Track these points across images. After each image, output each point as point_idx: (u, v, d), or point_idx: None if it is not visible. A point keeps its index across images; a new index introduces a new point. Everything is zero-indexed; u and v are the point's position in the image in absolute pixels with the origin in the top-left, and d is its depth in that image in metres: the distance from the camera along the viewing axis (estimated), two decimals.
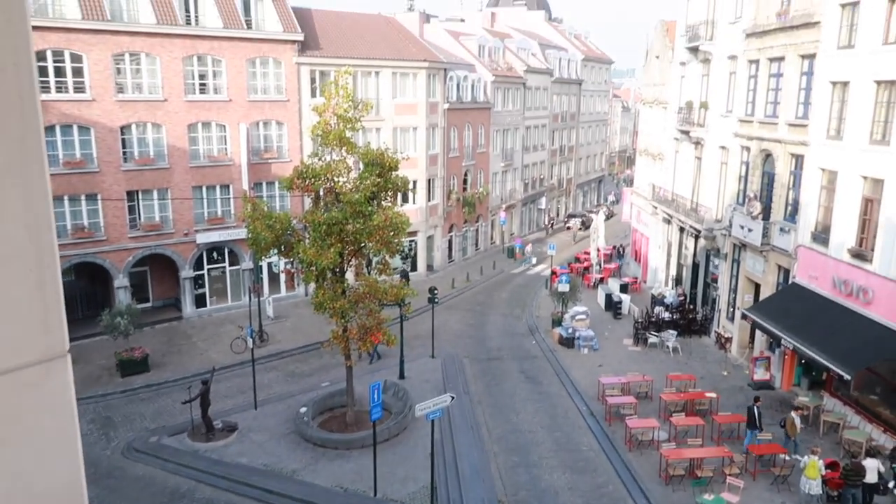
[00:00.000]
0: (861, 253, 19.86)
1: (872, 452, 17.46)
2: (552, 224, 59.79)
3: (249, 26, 32.66)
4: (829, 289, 21.09)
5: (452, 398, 17.27)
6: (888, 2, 18.95)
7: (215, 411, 21.17)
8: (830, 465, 16.61)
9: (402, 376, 24.94)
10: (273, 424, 21.33)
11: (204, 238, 31.72)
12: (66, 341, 1.65)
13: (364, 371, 25.17)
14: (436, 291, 28.08)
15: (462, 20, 59.65)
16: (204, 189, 31.86)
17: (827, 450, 18.16)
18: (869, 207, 19.77)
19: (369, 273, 21.47)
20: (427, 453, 17.58)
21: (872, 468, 16.18)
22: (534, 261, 41.21)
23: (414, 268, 40.69)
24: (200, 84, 31.30)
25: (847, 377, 18.27)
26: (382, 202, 20.58)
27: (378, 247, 20.02)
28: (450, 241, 45.17)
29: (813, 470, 16.18)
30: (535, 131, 56.60)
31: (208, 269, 32.78)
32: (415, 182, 38.66)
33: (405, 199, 38.15)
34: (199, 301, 32.57)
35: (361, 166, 20.51)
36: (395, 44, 40.13)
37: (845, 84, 20.76)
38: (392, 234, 19.82)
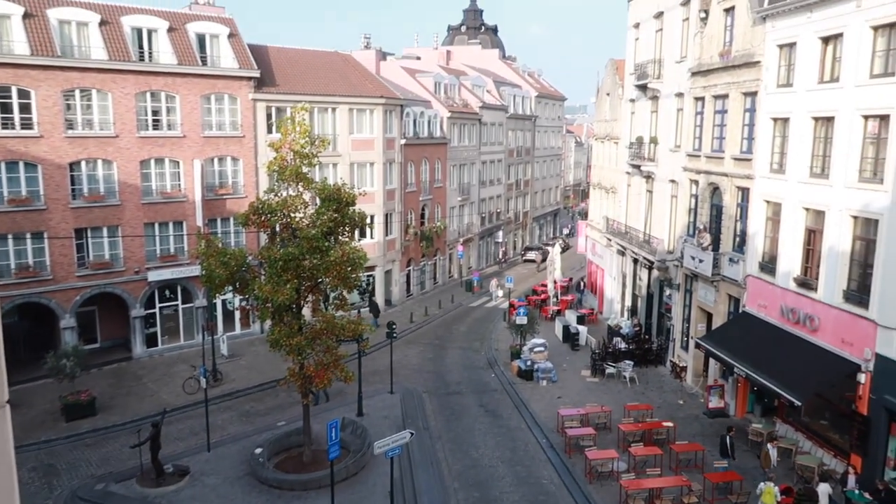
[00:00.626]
0: (806, 282, 20.53)
1: (824, 477, 17.81)
2: (505, 258, 60.16)
3: (205, 63, 32.54)
4: (777, 317, 21.68)
5: (412, 434, 17.09)
6: (822, 43, 19.98)
7: (166, 455, 20.46)
8: (785, 491, 16.87)
9: (360, 413, 24.55)
10: (227, 467, 20.69)
11: (156, 276, 31.00)
12: (5, 392, 1.59)
13: (321, 409, 24.73)
14: (394, 326, 27.90)
15: (418, 58, 60.64)
16: (156, 226, 31.24)
17: (781, 476, 18.45)
18: (812, 238, 20.50)
19: (326, 309, 21.25)
20: (386, 492, 17.27)
21: (824, 493, 16.51)
22: (500, 293, 41.34)
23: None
24: (154, 120, 30.93)
25: (798, 403, 18.69)
26: (339, 237, 20.50)
27: (335, 282, 19.87)
28: (408, 276, 45.13)
29: (769, 496, 16.42)
30: (491, 166, 57.41)
31: (160, 308, 31.95)
32: (372, 217, 38.68)
33: (363, 234, 38.11)
34: (150, 341, 31.66)
35: (318, 202, 20.44)
36: (351, 80, 40.46)
37: (785, 120, 21.67)
38: (349, 269, 19.73)
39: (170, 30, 31.70)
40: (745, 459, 20.54)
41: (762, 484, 16.79)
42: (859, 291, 18.43)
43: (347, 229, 20.79)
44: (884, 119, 17.61)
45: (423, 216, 46.46)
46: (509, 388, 28.09)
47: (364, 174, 39.67)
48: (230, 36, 33.77)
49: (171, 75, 30.95)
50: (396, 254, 42.84)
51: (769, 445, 18.96)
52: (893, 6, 17.07)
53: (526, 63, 76.83)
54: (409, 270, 45.26)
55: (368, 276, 39.75)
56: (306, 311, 20.76)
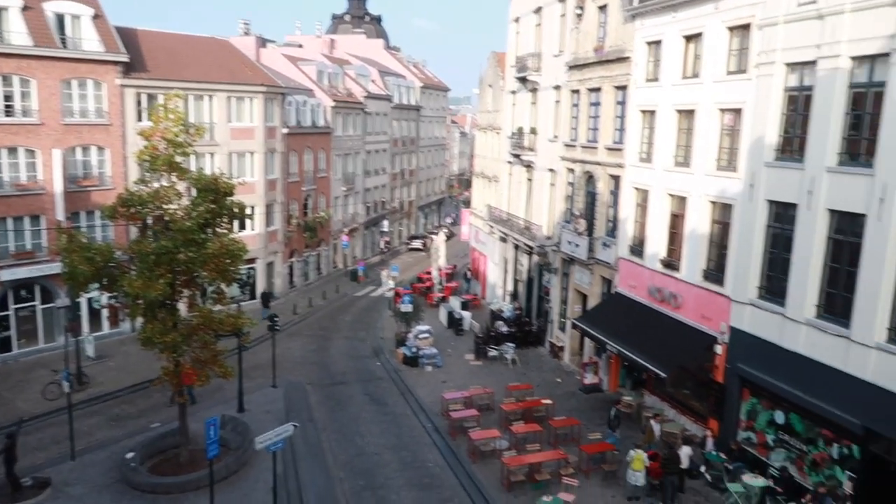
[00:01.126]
0: (671, 263, 21.96)
1: (686, 441, 19.20)
2: (388, 248, 59.97)
3: (65, 45, 30.05)
4: (645, 296, 23.06)
5: (295, 427, 16.73)
6: (684, 41, 21.34)
7: (23, 467, 18.80)
8: (652, 457, 18.03)
9: (241, 409, 23.75)
10: (94, 475, 19.34)
11: (9, 275, 28.37)
12: None
13: (200, 408, 23.68)
14: (276, 318, 27.18)
15: (300, 46, 59.12)
16: (10, 220, 28.59)
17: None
18: (676, 222, 21.94)
19: (204, 303, 20.35)
20: (270, 487, 16.82)
21: (686, 455, 17.84)
22: (392, 283, 41.13)
23: (253, 296, 39.17)
24: (6, 106, 28.21)
25: (663, 375, 20.02)
26: (217, 229, 19.64)
27: (213, 275, 19.03)
28: (291, 267, 44.08)
29: (638, 463, 17.49)
30: (376, 155, 57.11)
31: (15, 309, 29.32)
32: (252, 208, 37.41)
33: (242, 226, 36.76)
34: (3, 345, 29.00)
35: (194, 192, 19.48)
36: (229, 67, 38.82)
37: (652, 112, 22.99)
38: (228, 261, 18.95)
39: (24, 8, 28.94)
40: (618, 429, 21.72)
41: (632, 451, 17.86)
42: (716, 270, 19.94)
43: (225, 221, 19.94)
44: (737, 112, 19.09)
45: (306, 206, 45.51)
46: (395, 376, 28.18)
47: (244, 164, 38.26)
48: (94, 17, 31.35)
49: (25, 58, 28.33)
50: (279, 245, 41.72)
51: (652, 421, 20.06)
52: (746, 9, 18.50)
53: (411, 54, 77.12)
54: (293, 262, 44.23)
55: (249, 268, 38.48)
56: (182, 307, 19.77)
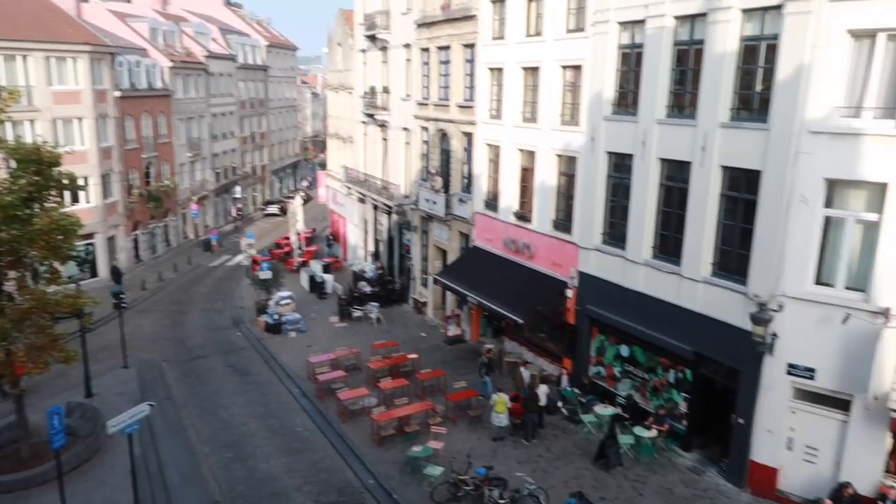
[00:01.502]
0: (523, 215, 22.95)
1: (543, 380, 20.46)
2: (240, 215, 56.70)
3: None
4: (501, 248, 24.00)
5: (151, 406, 15.88)
6: (527, 1, 21.95)
7: None
8: (513, 398, 19.07)
9: (89, 394, 22.14)
10: None
11: None
12: None
13: (41, 397, 21.81)
14: (122, 295, 25.44)
15: (129, 1, 54.17)
16: None
17: (510, 386, 20.79)
18: (526, 176, 22.88)
19: (36, 284, 18.59)
20: (127, 471, 15.94)
21: (543, 393, 19.04)
22: (253, 251, 39.42)
23: (94, 273, 36.30)
24: None
25: (520, 322, 21.08)
26: (45, 203, 17.86)
27: (43, 254, 17.37)
28: (136, 240, 41.20)
29: (501, 405, 18.44)
30: (222, 119, 54.22)
31: None
32: (86, 179, 34.34)
33: (75, 199, 33.80)
34: None
35: (13, 164, 17.54)
36: (46, 24, 34.87)
37: (500, 70, 23.59)
38: (60, 238, 17.35)
39: None
40: (479, 376, 22.71)
41: (494, 395, 18.79)
42: (565, 220, 21.11)
43: (53, 194, 18.17)
44: (577, 69, 20.05)
45: (148, 175, 42.49)
46: (257, 344, 27.49)
47: (71, 131, 34.90)
48: None
49: None
50: (120, 218, 38.77)
51: (521, 368, 20.78)
52: None
53: (254, 11, 73.20)
54: (137, 235, 41.34)
55: (87, 244, 35.57)
56: (11, 289, 17.93)
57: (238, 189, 57.08)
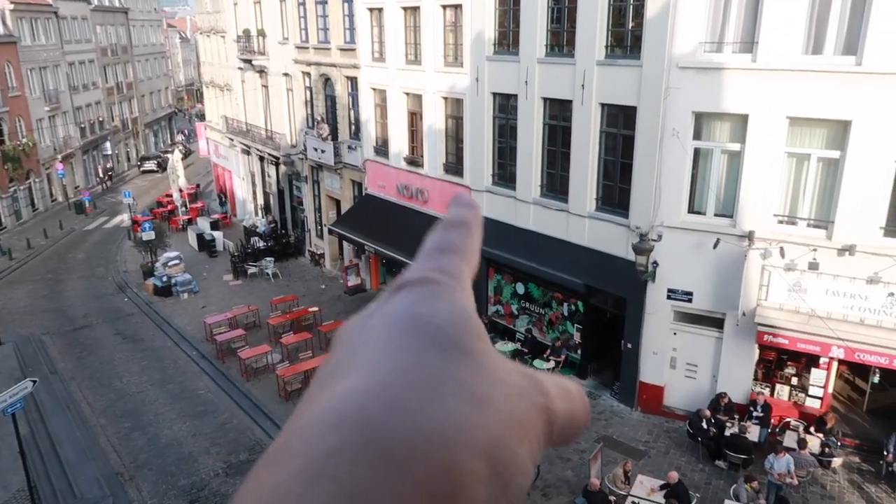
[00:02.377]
0: (414, 160, 22.93)
1: None
2: (110, 174, 51.99)
3: None
4: (395, 194, 23.96)
5: (35, 382, 15.01)
6: None
7: None
8: None
9: None
10: None
11: None
12: None
13: None
14: None
15: None
16: None
17: None
18: (414, 120, 22.77)
19: None
20: (15, 453, 15.10)
21: None
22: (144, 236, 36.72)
23: None
24: None
25: None
26: None
27: None
28: None
29: None
30: (81, 68, 49.78)
31: None
32: None
33: None
34: None
35: None
36: None
37: (380, 10, 22.98)
38: None
39: None
40: None
41: None
42: (456, 163, 21.31)
43: None
44: (458, 8, 19.89)
45: (0, 133, 38.69)
46: (147, 309, 26.32)
47: None
48: None
49: None
50: None
51: None
52: None
53: None
54: None
55: None
56: None
57: (108, 145, 53.11)
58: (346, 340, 0.51)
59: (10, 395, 14.11)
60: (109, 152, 53.36)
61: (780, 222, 14.23)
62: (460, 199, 0.64)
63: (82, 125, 49.14)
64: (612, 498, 13.08)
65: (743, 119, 14.02)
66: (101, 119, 52.59)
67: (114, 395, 19.70)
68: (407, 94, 22.69)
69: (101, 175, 50.88)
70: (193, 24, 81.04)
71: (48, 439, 17.38)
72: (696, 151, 14.90)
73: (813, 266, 13.57)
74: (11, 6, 40.39)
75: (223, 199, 41.28)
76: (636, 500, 12.88)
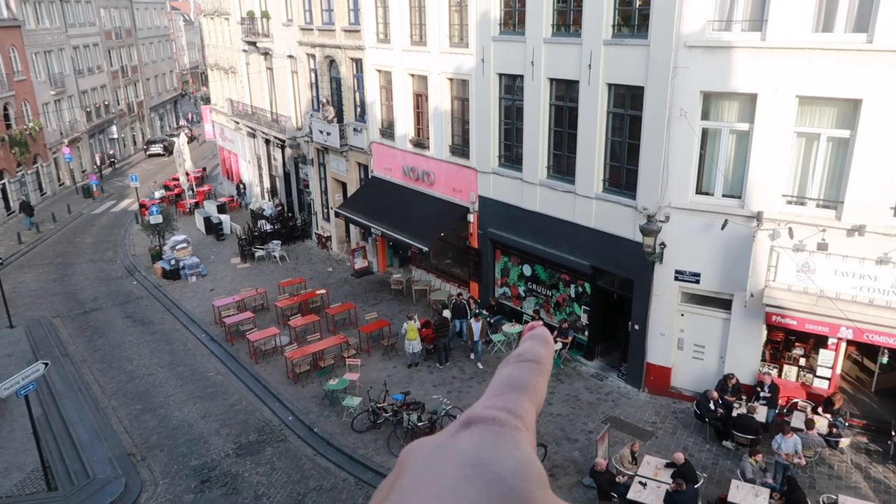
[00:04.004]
0: (420, 142, 22.85)
1: (449, 305, 21.05)
2: (111, 161, 51.11)
3: None
4: (401, 177, 23.92)
5: (46, 365, 15.17)
6: None
7: None
8: (424, 325, 19.55)
9: None
10: None
11: None
12: None
13: None
14: None
15: None
16: None
17: (421, 312, 21.26)
18: (420, 101, 22.65)
19: None
20: (29, 434, 15.32)
21: (448, 316, 19.64)
22: (157, 193, 36.91)
23: None
24: None
25: (425, 249, 21.38)
26: None
27: None
28: (3, 191, 37.94)
29: (413, 332, 18.86)
30: (86, 51, 49.67)
31: None
32: None
33: None
34: None
35: None
36: None
37: None
38: None
39: None
40: (391, 306, 23.07)
41: (405, 323, 19.17)
42: (462, 145, 21.22)
43: None
44: None
45: (7, 117, 38.71)
46: (156, 292, 26.47)
47: None
48: None
49: None
50: None
51: (472, 320, 19.01)
52: None
53: None
54: (5, 184, 38.03)
55: None
56: None
57: (114, 129, 53.15)
58: (414, 470, 0.53)
59: (22, 378, 14.28)
60: (115, 136, 53.40)
61: (789, 203, 14.15)
62: (535, 334, 0.67)
63: (88, 109, 49.12)
64: (619, 478, 13.17)
65: (752, 98, 13.89)
66: (106, 103, 52.54)
67: (124, 377, 19.89)
68: (412, 75, 22.55)
69: (97, 163, 48.71)
70: (197, 6, 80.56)
71: (61, 421, 17.59)
72: (704, 131, 14.78)
73: (822, 247, 13.50)
74: None
75: (242, 190, 39.24)
76: (643, 480, 12.95)
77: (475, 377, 18.34)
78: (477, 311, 19.63)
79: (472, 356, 19.20)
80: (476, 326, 18.81)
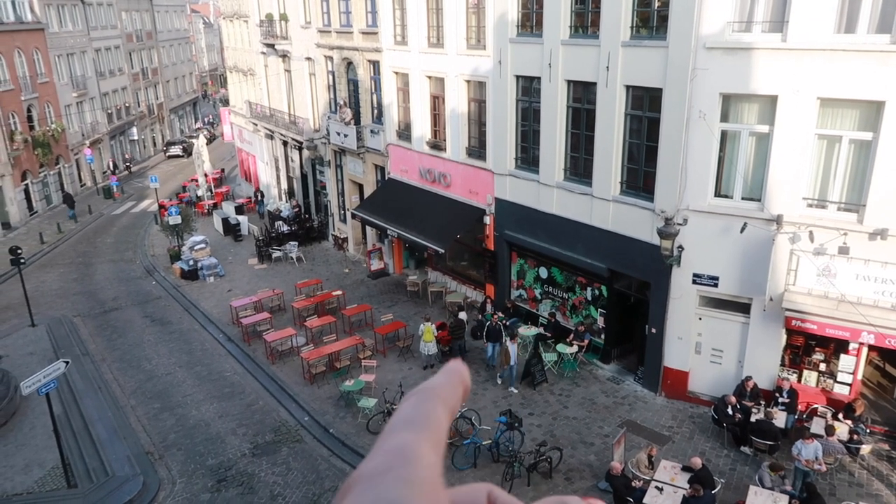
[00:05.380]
0: (437, 144, 22.87)
1: (463, 307, 21.05)
2: (128, 165, 50.71)
3: None
4: (417, 179, 23.95)
5: (67, 363, 15.36)
6: None
7: None
8: (440, 327, 19.55)
9: None
10: None
11: None
12: None
13: None
14: (20, 251, 23.93)
15: None
16: None
17: (436, 314, 21.27)
18: (437, 103, 22.68)
19: None
20: (50, 431, 15.52)
21: (463, 318, 19.63)
22: (200, 192, 37.21)
23: None
24: None
25: (441, 251, 21.38)
26: None
27: None
28: (27, 191, 38.50)
29: (429, 335, 18.87)
30: (107, 54, 50.31)
31: None
32: None
33: None
34: None
35: None
36: None
37: None
38: None
39: None
40: (407, 308, 23.10)
41: (421, 325, 19.17)
42: (478, 147, 21.22)
43: None
44: None
45: (30, 119, 39.31)
46: (175, 292, 26.72)
47: None
48: None
49: None
50: (5, 167, 35.98)
51: (508, 342, 17.98)
52: None
53: None
54: (28, 184, 38.59)
55: None
56: None
57: (134, 130, 53.79)
58: None
59: (43, 376, 14.47)
60: (136, 137, 54.00)
61: (810, 206, 13.97)
62: (444, 367, 0.71)
63: (109, 111, 49.74)
64: (634, 483, 13.07)
65: (772, 100, 13.74)
66: (127, 105, 53.17)
67: (143, 376, 20.09)
68: (429, 77, 22.58)
69: (109, 167, 47.72)
70: (216, 9, 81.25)
71: (81, 419, 17.80)
72: (724, 134, 14.65)
73: (843, 250, 13.31)
74: None
75: (259, 197, 38.50)
76: (659, 484, 12.85)
77: (490, 379, 18.27)
78: (511, 329, 18.24)
79: (501, 381, 17.89)
80: (513, 349, 17.34)
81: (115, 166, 48.59)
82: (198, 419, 17.55)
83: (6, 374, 19.36)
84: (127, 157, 52.15)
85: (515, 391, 17.60)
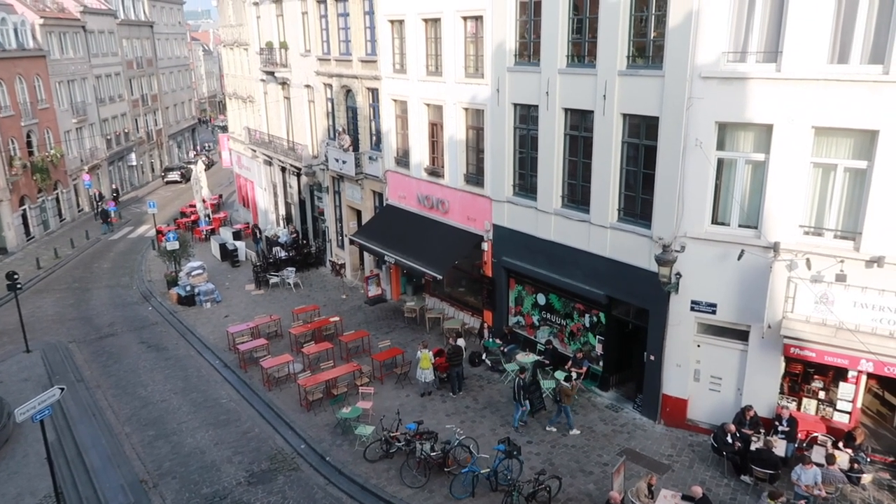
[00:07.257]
0: (435, 170, 23.00)
1: (461, 333, 20.95)
2: (115, 196, 48.76)
3: None
4: (415, 205, 24.04)
5: (62, 390, 15.21)
6: None
7: None
8: (437, 353, 19.46)
9: None
10: None
11: None
12: None
13: None
14: (16, 276, 23.89)
15: None
16: None
17: (434, 341, 21.19)
18: (435, 130, 22.85)
19: None
20: (42, 459, 15.33)
21: (461, 345, 19.54)
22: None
23: None
24: None
25: (439, 277, 21.36)
26: None
27: None
28: (24, 216, 38.53)
29: (426, 361, 18.78)
30: (108, 80, 50.80)
31: None
32: None
33: None
34: None
35: None
36: None
37: (401, 22, 23.16)
38: None
39: None
40: (404, 334, 23.02)
41: (418, 352, 19.08)
42: (476, 174, 21.33)
43: None
44: (479, 20, 19.98)
45: (30, 144, 39.49)
46: (171, 318, 26.61)
47: None
48: None
49: None
50: (3, 192, 36.06)
51: (460, 340, 18.84)
52: None
53: None
54: (26, 209, 38.65)
55: None
56: None
57: (133, 156, 54.06)
58: None
59: (38, 402, 14.31)
60: (134, 163, 54.25)
61: (806, 233, 14.04)
62: None
63: (108, 137, 50.02)
64: None
65: (767, 129, 13.88)
66: (126, 130, 53.52)
67: (138, 402, 19.91)
68: (428, 105, 22.79)
69: (95, 198, 46.48)
70: (216, 37, 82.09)
71: (74, 446, 17.60)
72: (720, 161, 14.76)
73: (840, 278, 13.35)
74: (41, 21, 41.34)
75: (258, 238, 35.60)
76: None
77: (488, 406, 18.13)
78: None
79: (555, 427, 16.80)
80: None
81: (102, 196, 47.16)
82: (193, 447, 17.35)
83: (0, 400, 19.19)
84: (113, 187, 50.44)
85: (577, 432, 16.62)
